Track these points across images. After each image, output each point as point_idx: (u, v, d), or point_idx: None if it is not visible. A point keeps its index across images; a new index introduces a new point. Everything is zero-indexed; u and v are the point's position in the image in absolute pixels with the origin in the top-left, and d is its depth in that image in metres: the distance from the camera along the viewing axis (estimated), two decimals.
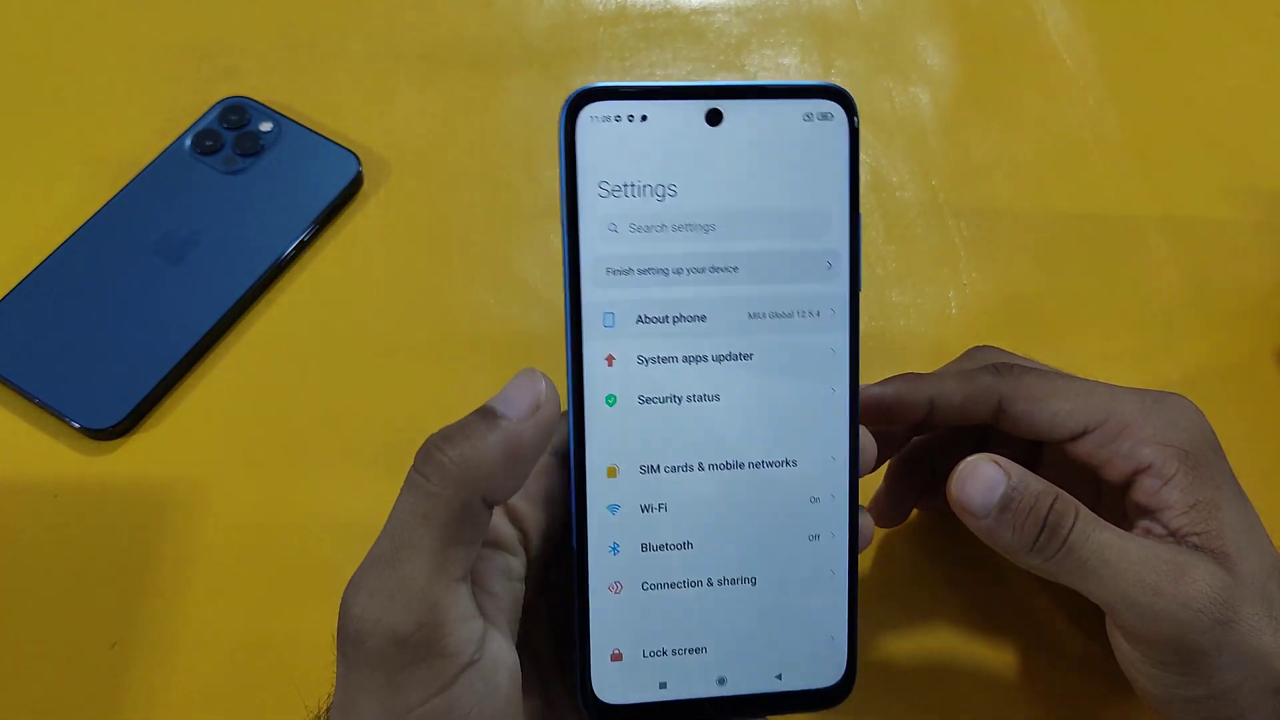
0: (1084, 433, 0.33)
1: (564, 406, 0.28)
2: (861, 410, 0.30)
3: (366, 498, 0.44)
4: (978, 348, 0.39)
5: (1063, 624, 0.41)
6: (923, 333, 0.48)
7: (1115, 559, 0.30)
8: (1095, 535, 0.30)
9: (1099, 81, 0.57)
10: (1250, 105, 0.56)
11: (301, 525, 0.43)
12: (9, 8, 0.57)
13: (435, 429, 0.45)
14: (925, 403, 0.34)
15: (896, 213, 0.52)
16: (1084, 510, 0.31)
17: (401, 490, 0.25)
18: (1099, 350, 0.48)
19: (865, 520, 0.31)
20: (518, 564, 0.28)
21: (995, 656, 0.40)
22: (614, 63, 0.57)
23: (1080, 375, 0.36)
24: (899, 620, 0.41)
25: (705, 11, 0.59)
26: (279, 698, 0.39)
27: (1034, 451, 0.38)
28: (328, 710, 0.27)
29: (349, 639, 0.24)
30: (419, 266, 0.50)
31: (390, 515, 0.25)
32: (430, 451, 0.25)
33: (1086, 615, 0.41)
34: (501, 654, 0.25)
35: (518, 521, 0.28)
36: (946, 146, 0.54)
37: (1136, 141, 0.55)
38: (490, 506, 0.26)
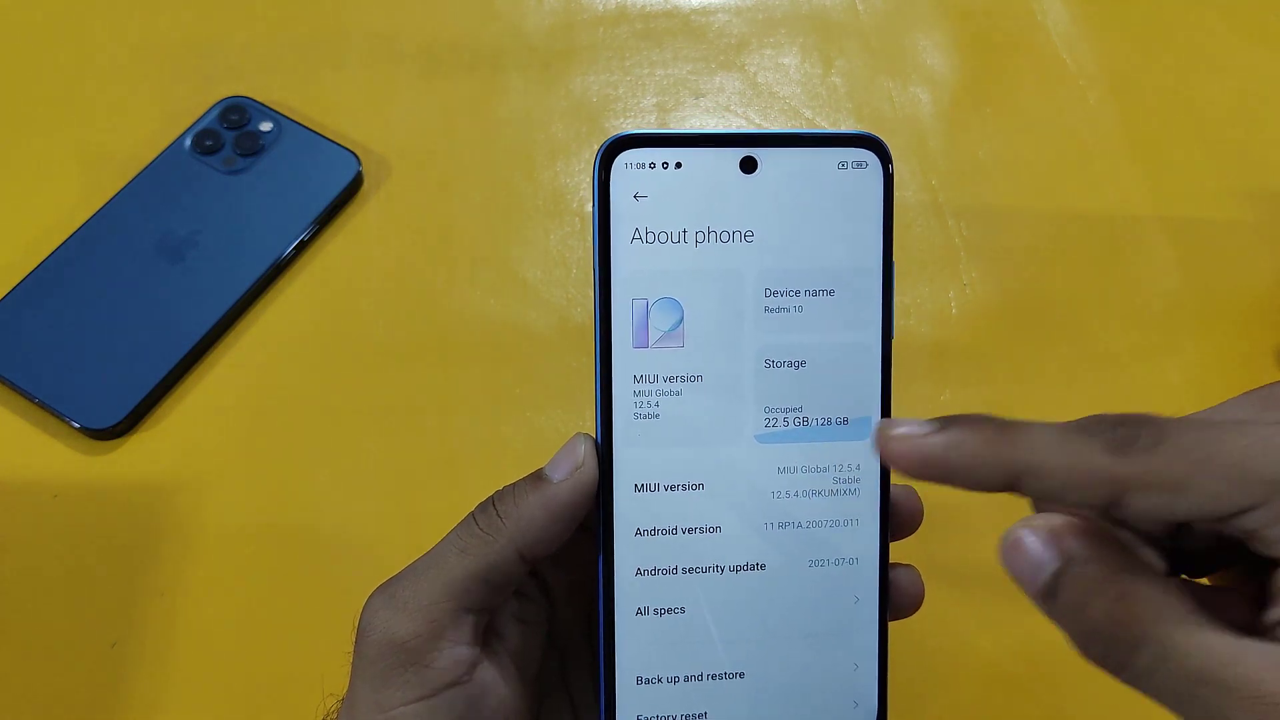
0: (1238, 512, 0.22)
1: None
2: (910, 467, 0.24)
3: (366, 497, 0.44)
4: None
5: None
6: (923, 333, 0.48)
7: (1217, 671, 0.21)
8: (1184, 643, 0.21)
9: (1099, 81, 0.57)
10: (1250, 105, 0.56)
11: (301, 525, 0.43)
12: (9, 8, 0.57)
13: (435, 429, 0.45)
14: (1008, 477, 0.23)
15: (897, 213, 0.52)
16: (1170, 609, 0.22)
17: (454, 527, 0.28)
18: (1099, 350, 0.48)
19: (910, 576, 0.30)
20: (534, 610, 0.30)
21: (976, 652, 0.40)
22: (614, 62, 0.57)
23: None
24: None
25: (705, 11, 0.59)
26: (278, 697, 0.39)
27: None
28: (341, 695, 0.29)
29: (360, 631, 0.27)
30: (419, 266, 0.50)
31: (438, 543, 0.28)
32: (487, 505, 0.28)
33: None
34: (493, 684, 0.27)
35: (541, 574, 0.30)
36: (946, 146, 0.54)
37: (1136, 141, 0.55)
38: (527, 560, 0.27)
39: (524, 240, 0.51)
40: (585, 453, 0.28)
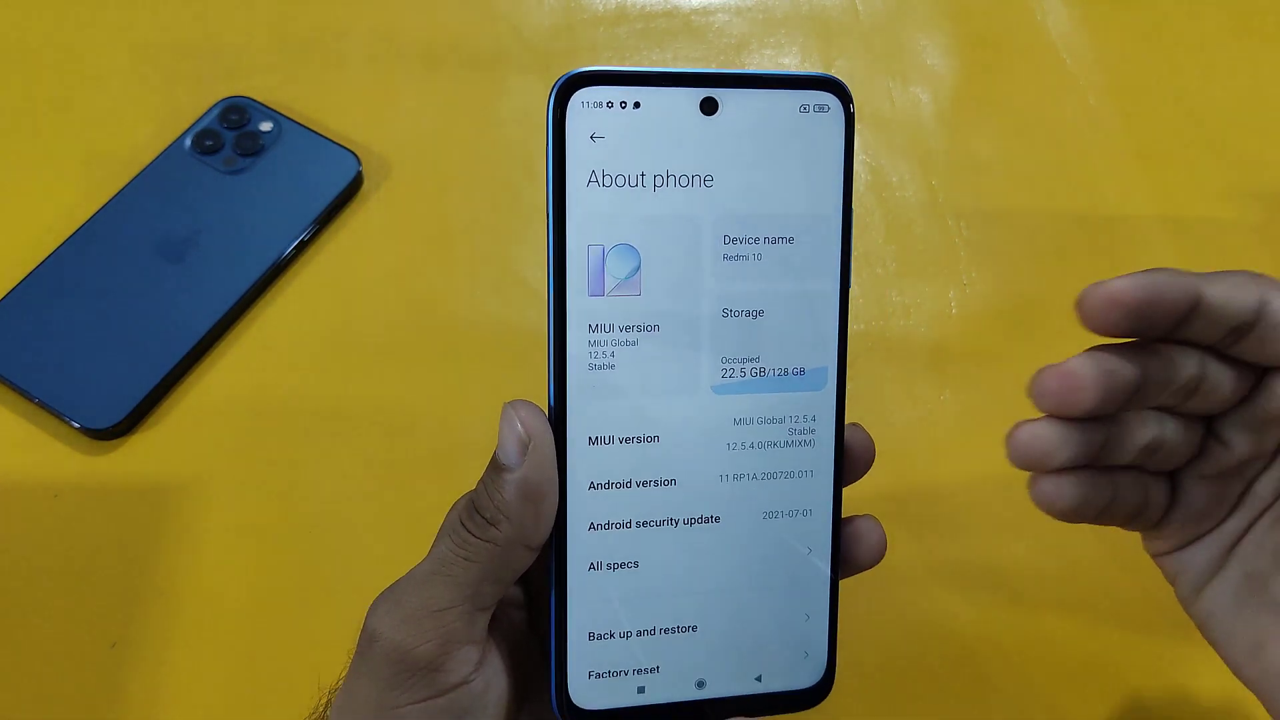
0: None
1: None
2: (1104, 309, 0.26)
3: (366, 497, 0.44)
4: None
5: (1054, 619, 0.41)
6: (923, 333, 0.48)
7: None
8: None
9: (1099, 81, 0.57)
10: (1250, 105, 0.56)
11: (301, 525, 0.43)
12: (10, 8, 0.57)
13: (434, 429, 0.45)
14: (1189, 300, 0.25)
15: (896, 213, 0.52)
16: None
17: (444, 533, 0.27)
18: None
19: (870, 525, 0.29)
20: (517, 593, 0.30)
21: (974, 651, 0.40)
22: (614, 63, 0.57)
23: None
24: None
25: (705, 11, 0.59)
26: (278, 697, 0.39)
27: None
28: (335, 687, 0.29)
29: (366, 635, 0.27)
30: (419, 266, 0.50)
31: (434, 547, 0.27)
32: (469, 510, 0.27)
33: (1078, 610, 0.41)
34: (495, 678, 0.27)
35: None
36: (946, 146, 0.54)
37: (1136, 141, 0.55)
38: (533, 549, 0.27)
39: (524, 240, 0.50)
40: (527, 424, 0.27)
